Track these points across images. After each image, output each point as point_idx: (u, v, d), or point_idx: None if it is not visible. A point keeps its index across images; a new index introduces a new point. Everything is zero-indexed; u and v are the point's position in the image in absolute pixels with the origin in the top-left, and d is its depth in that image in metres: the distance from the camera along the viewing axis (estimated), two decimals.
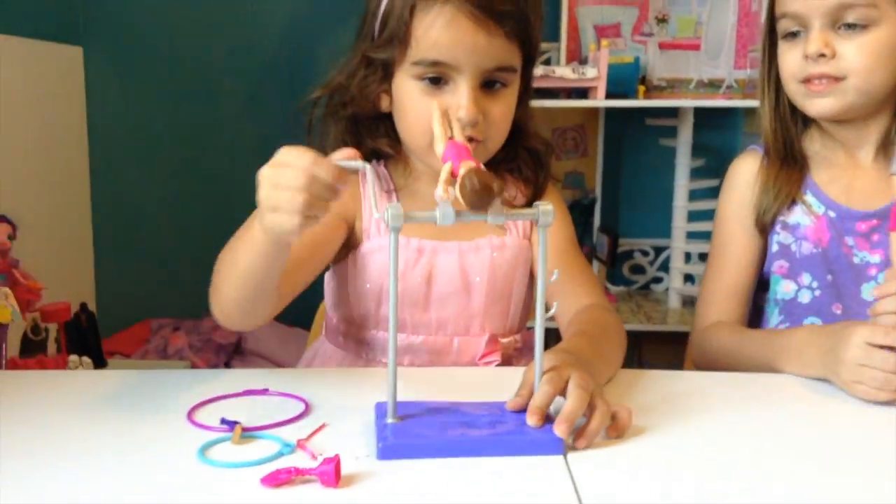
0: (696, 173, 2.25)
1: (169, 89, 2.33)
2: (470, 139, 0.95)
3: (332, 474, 0.67)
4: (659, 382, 0.93)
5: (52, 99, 2.14)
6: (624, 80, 2.12)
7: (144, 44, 2.31)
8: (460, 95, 0.93)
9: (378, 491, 0.67)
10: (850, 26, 0.99)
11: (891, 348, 0.84)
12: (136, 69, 2.32)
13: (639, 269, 2.43)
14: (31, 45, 2.03)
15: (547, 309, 0.77)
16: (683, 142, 2.22)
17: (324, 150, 1.04)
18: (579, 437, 0.73)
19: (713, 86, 2.25)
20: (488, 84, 0.96)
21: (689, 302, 2.27)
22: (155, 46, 2.31)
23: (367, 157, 1.07)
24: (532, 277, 1.08)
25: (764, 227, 1.10)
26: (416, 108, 0.96)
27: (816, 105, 1.03)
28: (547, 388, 0.75)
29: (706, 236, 2.18)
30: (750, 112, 2.28)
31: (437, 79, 0.95)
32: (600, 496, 0.66)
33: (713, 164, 2.28)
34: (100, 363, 1.71)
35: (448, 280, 1.02)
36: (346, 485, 0.68)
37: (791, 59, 1.04)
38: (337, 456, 0.68)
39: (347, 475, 0.69)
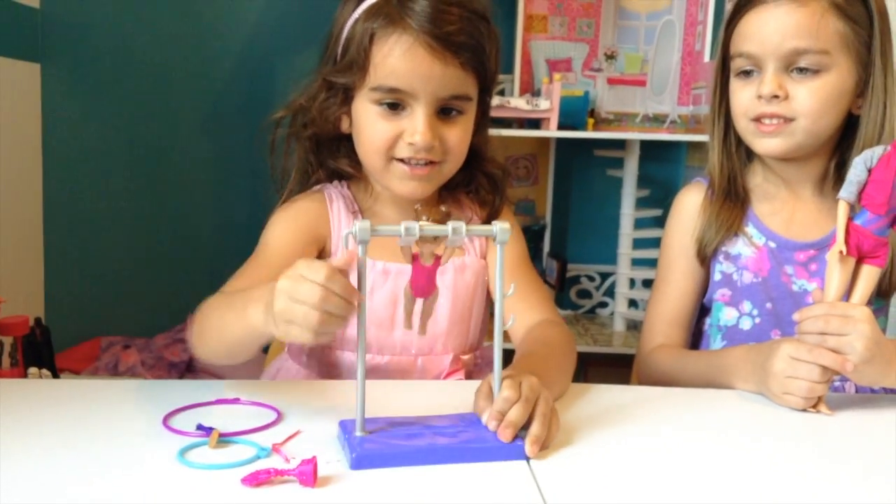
0: (641, 203, 2.32)
1: (126, 107, 2.32)
2: (428, 162, 1.01)
3: (311, 475, 0.71)
4: (605, 395, 0.98)
5: (8, 114, 2.12)
6: (574, 112, 2.19)
7: (102, 62, 2.30)
8: (416, 121, 0.98)
9: (353, 491, 0.71)
10: (803, 70, 1.03)
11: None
12: (93, 87, 2.31)
13: (585, 294, 2.50)
14: None
15: (504, 322, 0.81)
16: (630, 172, 2.29)
17: (287, 169, 1.10)
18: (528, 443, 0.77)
19: (658, 120, 2.34)
20: (445, 111, 1.01)
21: (634, 326, 2.35)
22: (113, 65, 2.31)
23: (330, 178, 1.11)
24: (489, 295, 1.12)
25: (705, 259, 1.16)
26: (373, 130, 1.00)
27: (765, 144, 1.08)
28: (508, 393, 0.78)
29: (650, 263, 2.28)
30: (693, 146, 2.36)
31: (395, 104, 0.99)
32: (565, 498, 0.71)
33: (657, 194, 2.35)
34: (55, 377, 1.70)
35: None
36: (323, 485, 0.72)
37: (744, 97, 1.08)
38: (314, 458, 0.72)
39: (323, 477, 0.72)
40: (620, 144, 2.31)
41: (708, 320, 1.19)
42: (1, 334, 1.46)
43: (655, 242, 2.22)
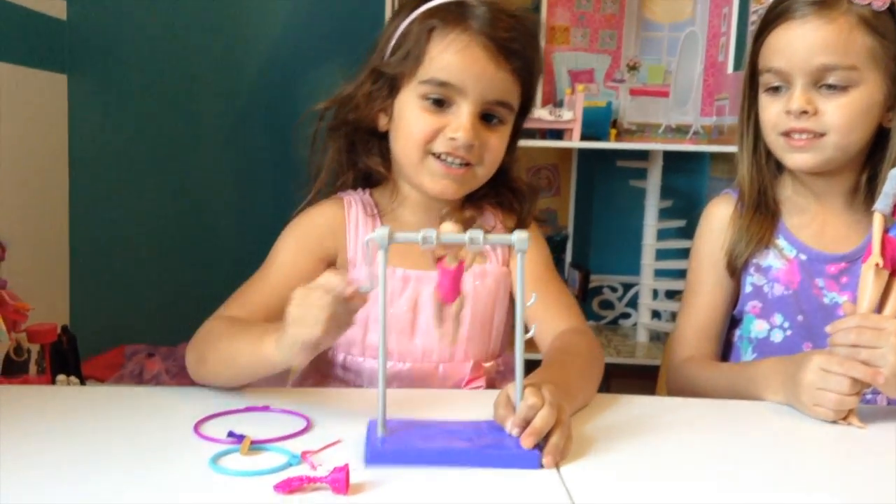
0: (664, 213, 2.32)
1: (151, 117, 2.34)
2: (463, 164, 1.02)
3: (343, 482, 0.71)
4: (632, 405, 0.96)
5: (35, 124, 2.14)
6: (596, 122, 2.19)
7: (128, 72, 2.32)
8: (461, 117, 1.00)
9: (385, 498, 0.71)
10: (831, 87, 1.03)
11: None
12: (118, 97, 2.33)
13: (608, 305, 2.50)
14: (15, 71, 2.04)
15: (526, 330, 0.81)
16: (653, 183, 2.28)
17: (320, 168, 1.11)
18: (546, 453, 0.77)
19: (681, 131, 2.33)
20: (487, 117, 1.03)
21: (657, 336, 2.34)
22: (138, 75, 2.32)
23: (358, 180, 1.13)
24: (512, 302, 1.12)
25: (735, 271, 1.15)
26: (416, 122, 1.02)
27: (796, 159, 1.07)
28: (532, 401, 0.78)
29: (673, 274, 2.27)
30: (716, 157, 2.35)
31: (441, 101, 1.01)
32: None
33: (680, 205, 2.35)
34: (82, 385, 1.71)
35: (432, 310, 1.04)
36: (356, 492, 0.71)
37: (773, 112, 1.07)
38: (346, 465, 0.72)
39: (355, 484, 0.72)
40: (643, 155, 2.31)
41: (738, 332, 1.18)
42: (29, 342, 1.47)
43: (679, 253, 2.25)
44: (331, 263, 1.08)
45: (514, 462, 0.77)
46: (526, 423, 0.78)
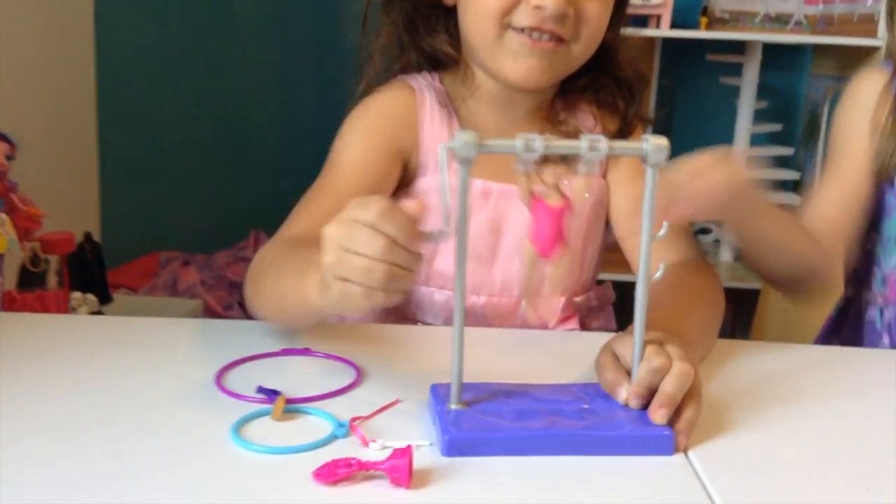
0: (759, 116, 2.10)
1: (183, 8, 2.21)
2: (554, 37, 0.82)
3: (405, 471, 0.53)
4: (760, 356, 0.79)
5: (60, 15, 2.00)
6: (686, 10, 1.96)
7: None
8: None
9: (461, 498, 0.53)
10: None
11: None
12: None
13: None
14: None
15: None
16: (748, 81, 2.05)
17: (373, 52, 0.93)
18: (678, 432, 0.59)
19: (780, 21, 2.08)
20: None
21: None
22: None
23: (422, 65, 0.94)
24: (607, 224, 0.94)
25: (886, 175, 0.95)
26: None
27: None
28: (657, 362, 0.60)
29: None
30: (820, 50, 2.14)
31: None
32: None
33: (777, 106, 2.14)
34: (105, 299, 1.57)
35: (518, 231, 0.87)
36: (420, 485, 0.53)
37: None
38: (409, 447, 0.54)
39: (419, 471, 0.54)
40: (737, 47, 2.07)
41: (876, 236, 0.99)
42: (44, 252, 1.31)
43: (775, 161, 2.07)
44: (405, 160, 0.89)
45: (641, 447, 0.58)
46: (649, 392, 0.60)
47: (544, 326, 0.90)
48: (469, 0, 0.85)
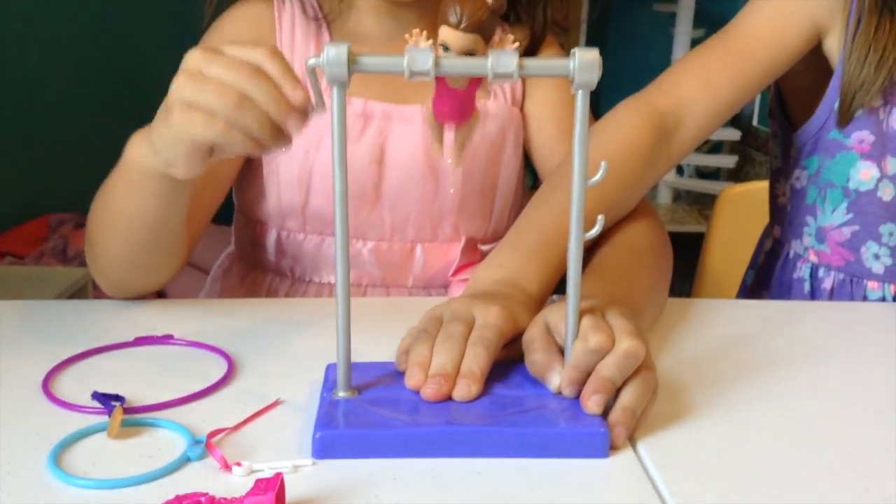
0: (695, 45, 2.00)
1: None
2: None
3: None
4: (714, 315, 0.69)
5: None
6: None
7: None
8: None
9: None
10: None
11: None
12: None
13: None
14: None
15: (594, 225, 0.49)
16: (684, 6, 2.00)
17: None
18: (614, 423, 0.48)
19: None
20: None
21: (681, 197, 2.10)
22: None
23: None
24: (525, 160, 0.84)
25: (849, 117, 0.80)
26: None
27: None
28: (596, 340, 0.48)
29: None
30: None
31: None
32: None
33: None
34: None
35: (408, 161, 0.77)
36: None
37: None
38: (278, 476, 0.40)
39: (291, 501, 0.41)
40: None
41: (815, 173, 0.84)
42: None
43: None
44: None
45: (568, 447, 0.46)
46: (583, 377, 0.48)
47: (443, 279, 0.79)
48: None
